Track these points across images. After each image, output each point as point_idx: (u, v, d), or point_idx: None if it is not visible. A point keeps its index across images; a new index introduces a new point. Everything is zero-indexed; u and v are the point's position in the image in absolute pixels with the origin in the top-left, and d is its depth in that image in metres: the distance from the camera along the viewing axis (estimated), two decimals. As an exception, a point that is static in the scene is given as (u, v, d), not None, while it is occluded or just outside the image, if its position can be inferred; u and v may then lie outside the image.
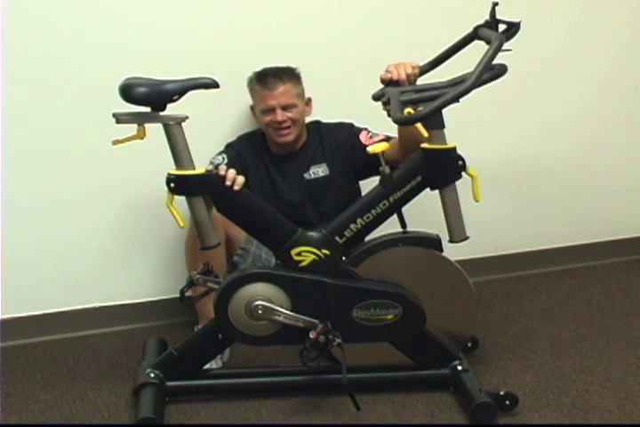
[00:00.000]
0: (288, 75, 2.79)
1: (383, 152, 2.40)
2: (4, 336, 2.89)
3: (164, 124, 2.30)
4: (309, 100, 2.88)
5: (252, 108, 2.88)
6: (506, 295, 3.33)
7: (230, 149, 2.85)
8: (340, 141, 2.86)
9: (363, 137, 2.81)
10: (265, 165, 2.86)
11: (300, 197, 2.85)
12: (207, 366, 2.58)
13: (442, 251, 2.53)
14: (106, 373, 2.72)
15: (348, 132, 2.86)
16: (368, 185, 2.71)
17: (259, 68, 2.81)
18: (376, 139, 2.77)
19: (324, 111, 2.94)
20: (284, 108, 2.75)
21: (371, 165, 2.71)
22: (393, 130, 2.60)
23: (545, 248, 3.58)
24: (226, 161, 2.73)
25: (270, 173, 2.86)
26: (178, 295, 2.59)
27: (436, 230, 2.52)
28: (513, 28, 2.32)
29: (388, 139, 2.73)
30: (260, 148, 2.87)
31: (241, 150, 2.84)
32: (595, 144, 3.55)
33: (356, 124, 2.88)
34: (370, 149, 2.42)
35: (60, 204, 2.91)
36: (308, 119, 2.91)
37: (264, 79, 2.77)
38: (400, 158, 2.53)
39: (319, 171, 2.87)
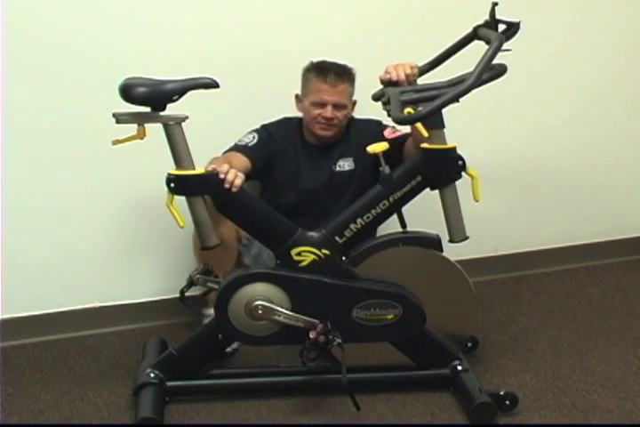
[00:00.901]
0: (348, 74, 2.77)
1: (383, 152, 2.41)
2: (4, 336, 2.89)
3: (164, 124, 2.30)
4: (355, 102, 2.86)
5: (297, 96, 2.84)
6: (506, 295, 3.33)
7: (264, 129, 2.85)
8: (367, 138, 2.82)
9: (387, 133, 2.82)
10: (295, 151, 2.86)
11: (321, 188, 2.85)
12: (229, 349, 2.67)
13: (442, 251, 2.53)
14: (106, 373, 2.72)
15: (375, 129, 2.86)
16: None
17: (317, 59, 2.78)
18: (398, 133, 2.78)
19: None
20: (336, 106, 2.74)
21: (394, 160, 2.63)
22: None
23: (545, 248, 3.58)
24: (255, 140, 2.76)
25: (299, 161, 2.85)
26: (178, 295, 2.59)
27: (436, 230, 2.52)
28: (513, 28, 2.32)
29: (409, 135, 2.72)
30: (294, 134, 2.87)
31: (275, 133, 2.84)
32: (595, 144, 3.55)
33: (382, 122, 2.86)
34: (370, 149, 2.43)
35: (60, 204, 2.91)
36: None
37: (326, 73, 2.73)
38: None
39: (345, 164, 2.87)
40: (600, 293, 3.35)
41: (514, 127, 3.39)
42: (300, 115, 2.87)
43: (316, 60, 2.79)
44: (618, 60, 3.49)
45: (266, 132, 2.83)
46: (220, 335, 2.48)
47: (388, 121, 2.79)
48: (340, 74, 2.74)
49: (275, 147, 2.81)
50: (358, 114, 2.88)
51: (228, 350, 2.73)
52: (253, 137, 2.78)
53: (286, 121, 2.90)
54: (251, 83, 2.94)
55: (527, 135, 3.42)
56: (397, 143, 2.68)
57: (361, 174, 2.86)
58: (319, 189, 2.85)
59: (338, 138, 2.87)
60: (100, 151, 2.76)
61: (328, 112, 2.74)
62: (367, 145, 2.79)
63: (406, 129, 2.67)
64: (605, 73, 3.48)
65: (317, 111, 2.75)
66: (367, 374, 2.54)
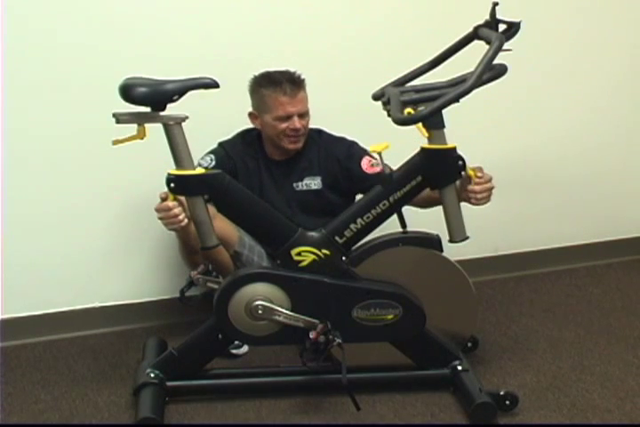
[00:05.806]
0: (302, 81, 2.70)
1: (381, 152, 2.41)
2: (4, 336, 2.89)
3: (164, 124, 2.30)
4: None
5: (251, 114, 2.78)
6: (506, 295, 3.33)
7: (221, 148, 2.81)
8: (336, 158, 2.79)
9: (365, 164, 2.75)
10: (258, 167, 2.81)
11: (285, 206, 2.79)
12: (235, 351, 2.71)
13: (442, 251, 2.53)
14: (106, 373, 2.72)
15: (347, 152, 2.79)
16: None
17: (258, 72, 2.73)
18: (378, 169, 2.58)
19: (325, 114, 2.94)
20: (301, 115, 2.69)
21: (368, 188, 2.62)
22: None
23: (545, 248, 3.58)
24: (213, 163, 2.71)
25: (262, 177, 2.80)
26: (178, 295, 2.59)
27: (436, 230, 2.52)
28: (513, 28, 2.32)
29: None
30: (254, 149, 2.82)
31: (231, 150, 2.79)
32: (595, 144, 3.55)
33: (359, 145, 2.80)
34: (370, 149, 2.43)
35: (60, 203, 2.91)
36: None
37: (281, 85, 2.65)
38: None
39: (312, 184, 2.81)
40: (600, 293, 3.35)
41: (513, 127, 3.39)
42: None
43: (258, 73, 2.73)
44: (618, 59, 3.48)
45: (223, 150, 2.78)
46: (220, 335, 2.48)
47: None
48: (294, 82, 2.67)
49: (232, 165, 2.76)
50: (360, 113, 2.87)
51: (239, 352, 2.75)
52: (211, 159, 2.72)
53: (244, 134, 2.84)
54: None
55: (527, 135, 3.42)
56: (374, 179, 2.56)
57: (330, 194, 2.82)
58: (283, 207, 2.77)
59: (301, 152, 2.79)
60: (100, 151, 2.76)
61: (296, 123, 2.67)
62: (335, 165, 2.77)
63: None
64: (605, 72, 3.48)
65: (284, 125, 2.68)
66: (367, 374, 2.54)
